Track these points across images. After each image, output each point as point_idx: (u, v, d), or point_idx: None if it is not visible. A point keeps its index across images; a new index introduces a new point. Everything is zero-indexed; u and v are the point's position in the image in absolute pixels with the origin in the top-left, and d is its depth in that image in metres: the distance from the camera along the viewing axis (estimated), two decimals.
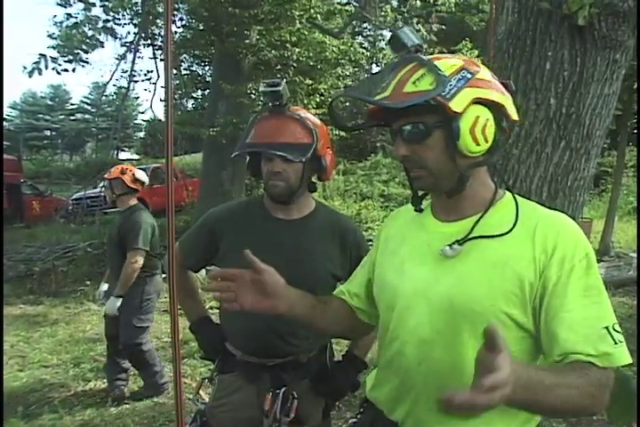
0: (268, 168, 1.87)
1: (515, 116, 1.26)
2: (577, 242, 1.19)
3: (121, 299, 4.06)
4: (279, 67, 11.25)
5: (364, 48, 14.00)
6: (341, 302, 1.52)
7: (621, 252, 9.24)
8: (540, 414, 1.20)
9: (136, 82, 12.09)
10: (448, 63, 1.21)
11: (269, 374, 1.89)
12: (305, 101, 10.34)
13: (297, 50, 10.76)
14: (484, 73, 1.23)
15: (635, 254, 8.64)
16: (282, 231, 1.95)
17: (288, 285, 1.37)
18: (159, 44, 12.43)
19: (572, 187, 2.42)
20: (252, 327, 1.88)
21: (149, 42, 12.43)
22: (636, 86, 6.63)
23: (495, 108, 1.21)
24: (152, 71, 13.55)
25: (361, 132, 13.83)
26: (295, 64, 11.10)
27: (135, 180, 4.43)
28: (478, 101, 1.18)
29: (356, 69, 14.17)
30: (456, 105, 1.16)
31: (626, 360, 1.11)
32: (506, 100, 1.23)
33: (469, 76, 1.19)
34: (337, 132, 10.29)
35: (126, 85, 12.38)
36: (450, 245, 1.21)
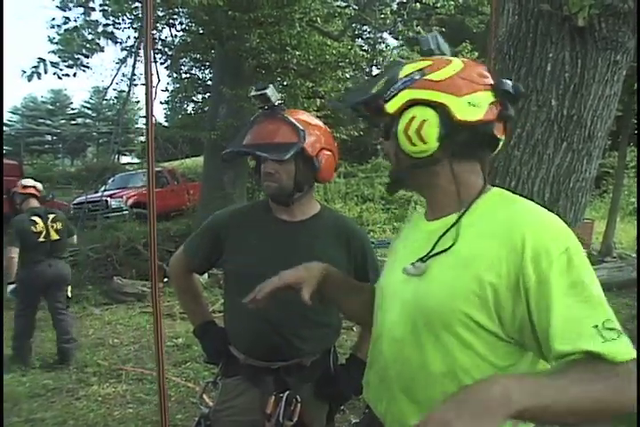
0: (262, 169, 1.91)
1: (465, 115, 1.22)
2: (553, 236, 1.12)
3: (11, 285, 5.04)
4: (279, 70, 11.25)
5: (364, 50, 13.97)
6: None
7: (623, 253, 9.24)
8: (566, 423, 1.05)
9: (136, 85, 12.06)
10: (416, 65, 1.29)
11: (273, 378, 1.89)
12: (305, 104, 10.35)
13: (297, 53, 10.76)
14: (445, 72, 1.25)
15: (636, 255, 8.64)
16: (285, 232, 1.96)
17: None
18: (159, 47, 12.45)
19: (574, 188, 2.42)
20: (256, 329, 1.89)
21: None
22: (635, 87, 6.62)
23: (440, 109, 1.22)
24: (152, 75, 13.53)
25: (361, 135, 13.83)
26: (295, 67, 11.10)
27: (24, 186, 5.49)
28: (417, 102, 1.23)
29: (356, 72, 14.17)
30: (390, 107, 1.26)
31: (622, 356, 1.00)
32: (452, 100, 1.22)
33: (417, 77, 1.25)
34: (337, 135, 10.29)
35: (127, 89, 12.38)
36: (413, 264, 1.25)
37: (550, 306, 1.06)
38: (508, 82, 1.26)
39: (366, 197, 14.27)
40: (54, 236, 5.31)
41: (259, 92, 1.90)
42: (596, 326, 1.03)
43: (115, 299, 7.84)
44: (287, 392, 1.84)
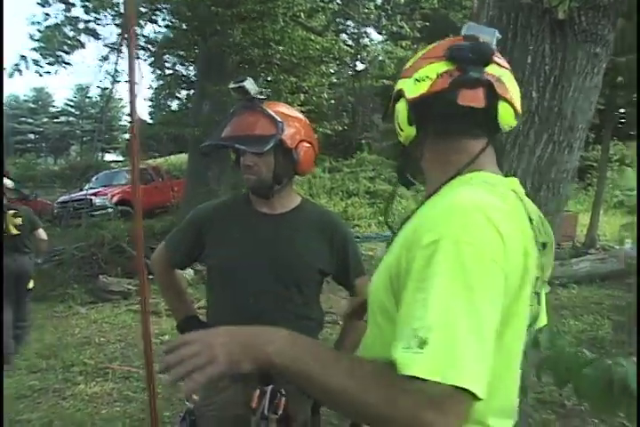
0: (241, 162, 1.91)
1: (410, 93, 1.18)
2: (434, 225, 0.99)
3: None
4: (263, 65, 11.24)
5: (348, 45, 14.00)
6: None
7: (607, 244, 9.33)
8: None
9: (119, 82, 12.00)
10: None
11: (256, 372, 1.88)
12: (289, 99, 10.34)
13: (280, 48, 10.75)
14: (414, 58, 1.26)
15: (619, 247, 8.72)
16: (266, 225, 1.96)
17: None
18: (142, 44, 12.37)
19: (555, 180, 2.43)
20: (238, 323, 1.88)
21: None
22: (619, 80, 6.67)
23: (403, 95, 1.23)
24: (135, 72, 13.43)
25: (346, 130, 13.84)
26: (279, 62, 11.10)
27: None
28: (397, 94, 1.26)
29: (341, 67, 14.18)
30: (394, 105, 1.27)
31: (409, 370, 0.85)
32: (405, 83, 1.22)
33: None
34: (322, 130, 10.29)
35: (110, 87, 12.30)
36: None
37: (403, 297, 0.96)
38: (465, 44, 1.17)
39: (351, 192, 14.27)
40: (13, 231, 5.49)
41: (237, 85, 1.90)
42: (414, 330, 0.88)
43: (100, 297, 7.80)
44: (271, 386, 1.84)
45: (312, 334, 2.04)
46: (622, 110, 15.64)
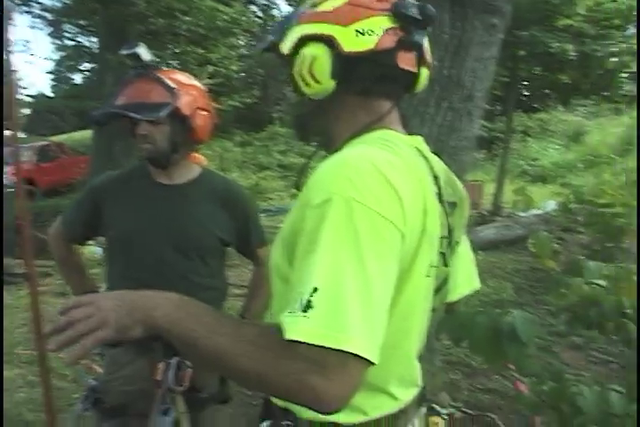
0: (136, 131, 1.85)
1: (352, 46, 1.06)
2: (325, 184, 0.93)
3: None
4: (169, 36, 10.87)
5: (258, 17, 13.76)
6: None
7: (511, 212, 9.72)
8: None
9: (12, 53, 11.27)
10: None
11: (160, 344, 1.85)
12: (197, 72, 10.08)
13: (187, 18, 10.42)
14: (335, 1, 1.11)
15: (523, 214, 9.13)
16: (164, 196, 1.92)
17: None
18: (38, 12, 11.67)
19: (455, 147, 2.50)
20: None
21: (27, 9, 11.62)
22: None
23: (328, 42, 1.08)
24: (30, 42, 12.69)
25: (256, 103, 13.67)
26: (186, 33, 10.76)
27: None
28: (308, 38, 1.10)
29: (250, 38, 13.94)
30: (285, 47, 1.14)
31: (293, 334, 0.82)
32: (339, 30, 1.07)
33: (307, 10, 1.13)
34: (232, 103, 10.13)
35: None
36: None
37: (295, 260, 0.94)
38: (411, 2, 1.09)
39: (263, 166, 14.16)
40: None
41: (129, 51, 1.83)
42: (299, 292, 0.85)
43: (4, 280, 7.44)
44: (176, 358, 1.81)
45: (216, 305, 2.02)
46: (525, 83, 16.30)
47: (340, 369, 0.81)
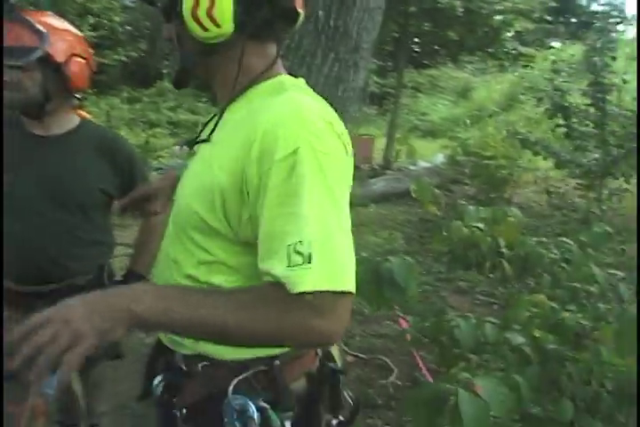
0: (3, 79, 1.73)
1: None
2: (287, 133, 0.93)
3: None
4: None
5: None
6: None
7: (402, 166, 10.02)
8: (205, 340, 1.02)
9: None
10: None
11: (45, 302, 1.79)
12: (77, 22, 9.47)
13: None
14: None
15: (413, 167, 9.45)
16: (40, 148, 1.82)
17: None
18: None
19: (342, 97, 2.52)
20: (22, 253, 1.76)
21: None
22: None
23: None
24: None
25: (143, 57, 13.07)
26: None
27: None
28: None
29: None
30: None
31: (300, 287, 0.87)
32: None
33: None
34: (117, 57, 9.63)
35: None
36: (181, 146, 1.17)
37: (262, 214, 0.94)
38: None
39: (153, 123, 13.64)
40: None
41: None
42: (289, 246, 0.89)
43: None
44: None
45: (104, 259, 1.98)
46: (416, 39, 16.55)
47: (334, 308, 0.89)
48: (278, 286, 0.89)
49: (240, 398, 1.04)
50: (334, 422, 1.16)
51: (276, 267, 0.89)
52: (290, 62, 2.41)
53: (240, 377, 1.05)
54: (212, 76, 1.15)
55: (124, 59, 11.03)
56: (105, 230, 1.96)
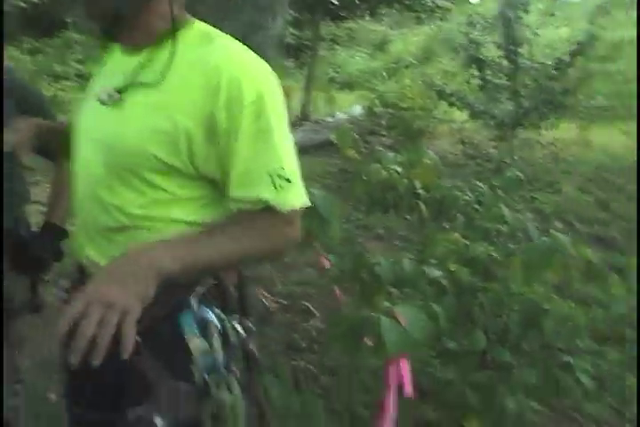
0: None
1: None
2: (249, 80, 1.06)
3: None
4: None
5: None
6: None
7: (319, 118, 10.02)
8: (221, 268, 1.17)
9: None
10: None
11: None
12: None
13: None
14: None
15: (331, 119, 9.47)
16: None
17: None
18: None
19: (261, 43, 2.49)
20: None
21: None
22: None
23: None
24: None
25: (44, 3, 12.21)
26: None
27: None
28: None
29: None
30: None
31: (288, 204, 1.08)
32: None
33: None
34: (16, 3, 8.97)
35: None
36: (108, 93, 1.14)
37: (235, 151, 1.05)
38: None
39: (60, 75, 12.90)
40: None
41: None
42: (270, 174, 1.06)
43: None
44: None
45: (18, 210, 1.91)
46: None
47: (298, 219, 1.12)
48: (262, 209, 1.07)
49: (201, 309, 1.15)
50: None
51: (264, 192, 1.05)
52: (206, 8, 2.36)
53: (197, 292, 1.16)
54: (134, 25, 1.14)
55: (22, 4, 10.25)
56: (17, 179, 1.86)
